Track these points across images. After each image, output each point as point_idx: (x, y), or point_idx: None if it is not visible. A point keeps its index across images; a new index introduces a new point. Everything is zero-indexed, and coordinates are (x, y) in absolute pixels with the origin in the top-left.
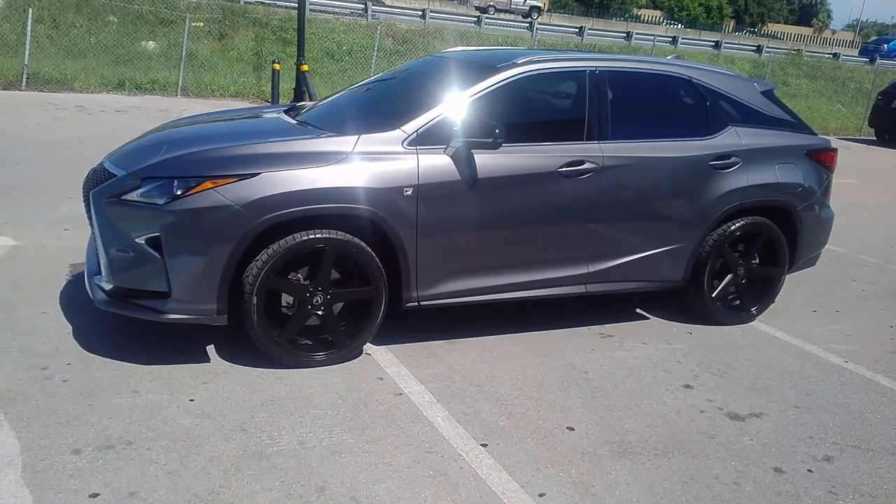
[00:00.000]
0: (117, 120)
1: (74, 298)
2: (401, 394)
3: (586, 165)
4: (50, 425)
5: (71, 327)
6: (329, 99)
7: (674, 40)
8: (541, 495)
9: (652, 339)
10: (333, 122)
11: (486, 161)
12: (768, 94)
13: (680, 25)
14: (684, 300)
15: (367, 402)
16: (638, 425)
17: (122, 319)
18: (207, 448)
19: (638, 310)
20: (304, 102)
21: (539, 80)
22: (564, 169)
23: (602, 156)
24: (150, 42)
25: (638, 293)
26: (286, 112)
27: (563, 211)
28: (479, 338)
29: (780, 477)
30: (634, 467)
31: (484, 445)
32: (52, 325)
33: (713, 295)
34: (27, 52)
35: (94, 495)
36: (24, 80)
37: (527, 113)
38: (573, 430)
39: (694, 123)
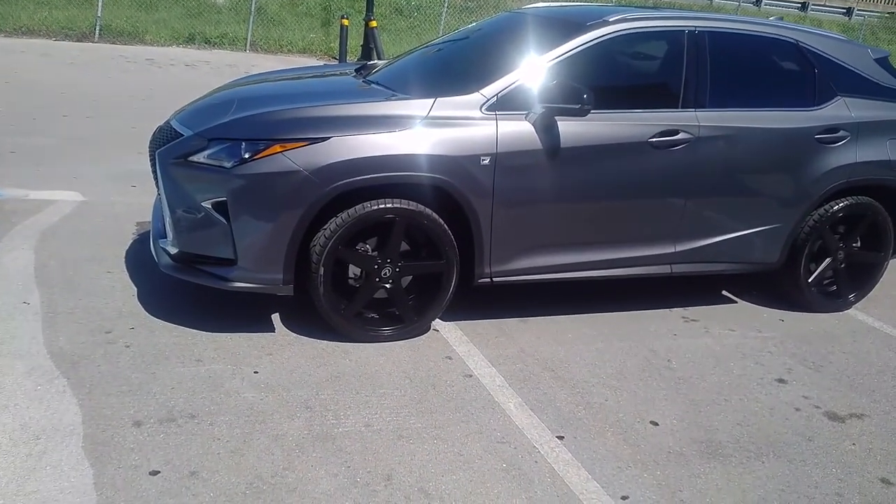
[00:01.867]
0: (186, 74)
1: (140, 259)
2: (470, 375)
3: (680, 136)
4: (112, 394)
5: (136, 289)
6: (400, 59)
7: (757, 1)
8: (623, 498)
9: (740, 325)
10: (406, 84)
11: (570, 129)
12: (883, 62)
13: None
14: (777, 284)
15: (436, 384)
16: (728, 423)
17: (187, 283)
18: (271, 425)
19: (724, 292)
20: (374, 61)
21: (632, 40)
22: (656, 139)
23: (698, 125)
24: None
25: (724, 275)
26: (357, 71)
27: (652, 185)
28: (552, 317)
29: (888, 490)
30: (726, 471)
31: (560, 438)
32: (117, 286)
33: (809, 280)
34: (100, 4)
35: (155, 472)
36: (97, 32)
37: (616, 77)
38: (657, 425)
39: (800, 92)
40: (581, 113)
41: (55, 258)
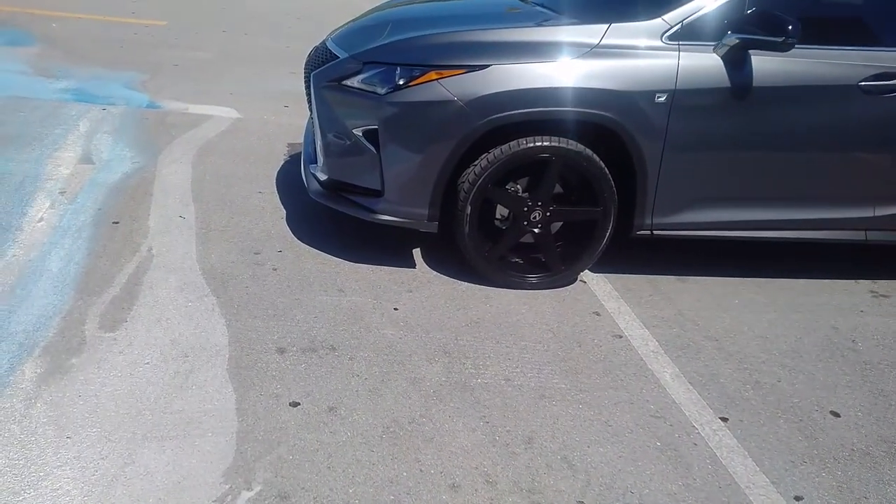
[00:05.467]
0: None
1: (289, 180)
2: (620, 336)
3: None
4: (258, 317)
5: (284, 211)
6: None
7: None
8: (797, 499)
9: None
10: (573, 6)
11: (765, 66)
12: None
13: None
14: None
15: (581, 341)
16: None
17: (334, 210)
18: (409, 367)
19: None
20: None
21: None
22: (866, 83)
23: None
24: None
25: None
26: None
27: (857, 137)
28: (715, 278)
29: None
30: None
31: (724, 419)
32: (267, 207)
33: None
34: None
35: (295, 404)
36: None
37: (822, 6)
38: (838, 416)
39: None
40: (783, 48)
41: (210, 174)
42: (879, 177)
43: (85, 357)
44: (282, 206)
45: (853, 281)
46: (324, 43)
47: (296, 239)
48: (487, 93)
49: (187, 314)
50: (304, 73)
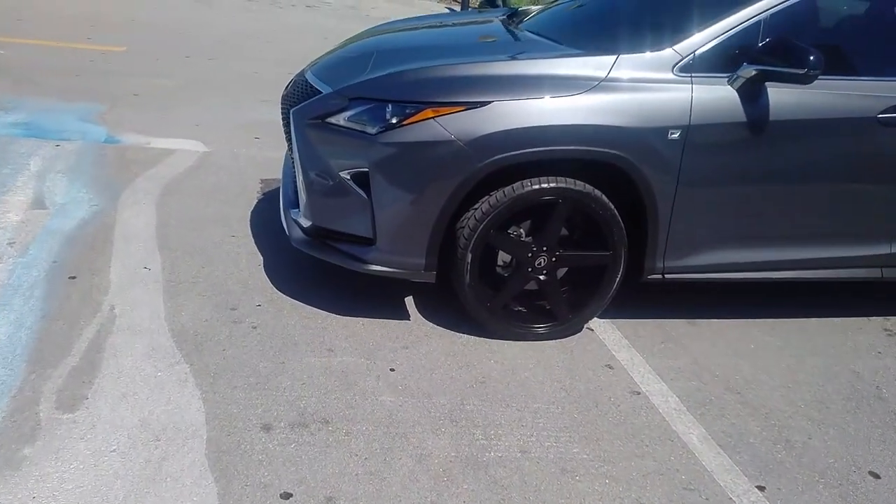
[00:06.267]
0: (306, 15)
1: (265, 222)
2: (638, 392)
3: None
4: (238, 387)
5: (262, 258)
6: (557, 2)
7: None
8: None
9: None
10: (573, 34)
11: (781, 99)
12: None
13: None
14: None
15: (598, 400)
16: None
17: (317, 258)
18: (414, 441)
19: None
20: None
21: None
22: (885, 115)
23: None
24: None
25: None
26: (508, 18)
27: (875, 171)
28: (725, 320)
29: None
30: None
31: (761, 488)
32: (242, 254)
33: None
34: None
35: (287, 495)
36: None
37: (838, 35)
38: (878, 477)
39: None
40: (806, 80)
41: (177, 217)
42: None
43: (40, 446)
44: (259, 253)
45: (865, 318)
46: (303, 75)
47: (276, 290)
48: (489, 132)
49: (157, 386)
50: (282, 108)
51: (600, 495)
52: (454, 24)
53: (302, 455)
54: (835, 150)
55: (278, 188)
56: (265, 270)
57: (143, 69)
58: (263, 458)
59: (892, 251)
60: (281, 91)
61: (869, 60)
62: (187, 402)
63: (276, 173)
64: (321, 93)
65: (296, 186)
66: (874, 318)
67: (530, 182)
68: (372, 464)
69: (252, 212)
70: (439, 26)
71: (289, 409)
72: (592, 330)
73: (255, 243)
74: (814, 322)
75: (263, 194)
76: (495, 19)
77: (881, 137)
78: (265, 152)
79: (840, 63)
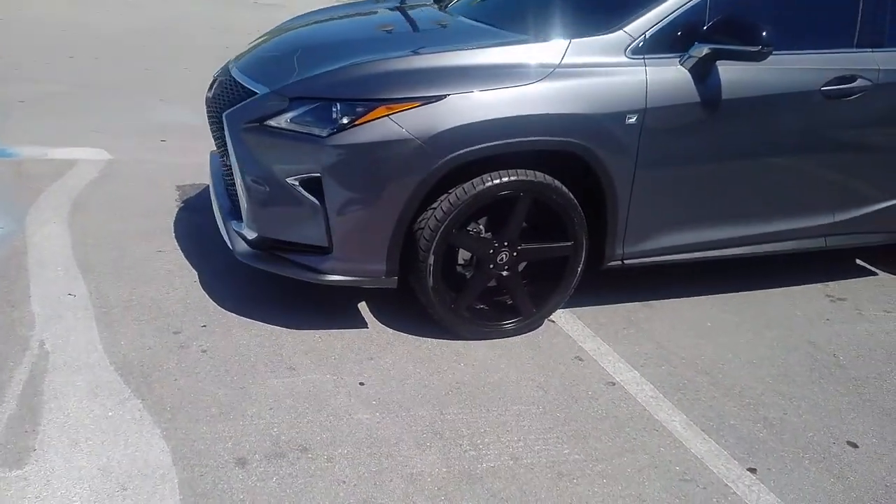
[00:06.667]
0: (185, 4)
1: (192, 233)
2: (613, 383)
3: (858, 83)
4: (200, 420)
5: (196, 273)
6: None
7: None
8: None
9: (894, 303)
10: (513, 20)
11: (732, 77)
12: None
13: None
14: None
15: (576, 396)
16: None
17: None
18: (400, 460)
19: (858, 261)
20: None
21: None
22: (828, 88)
23: (878, 69)
24: None
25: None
26: (437, 3)
27: (821, 143)
28: (679, 299)
29: None
30: None
31: (752, 471)
32: (174, 270)
33: None
34: None
35: None
36: None
37: (780, 8)
38: (856, 446)
39: None
40: (759, 57)
41: (94, 234)
42: (840, 182)
43: None
44: (191, 268)
45: (805, 286)
46: (227, 72)
47: (219, 307)
48: (448, 127)
49: (111, 428)
50: (210, 112)
51: (601, 497)
52: (387, 10)
53: (286, 489)
54: (784, 125)
55: (198, 195)
56: (203, 287)
57: (25, 73)
58: (245, 498)
59: (836, 220)
60: (183, 89)
61: (810, 34)
62: (147, 443)
63: (192, 179)
64: (256, 93)
65: (232, 195)
66: (814, 284)
67: (490, 177)
68: (362, 490)
69: (174, 223)
70: (371, 13)
71: (261, 438)
72: (555, 322)
73: (186, 257)
74: (760, 294)
75: (183, 202)
76: (425, 4)
77: (825, 109)
78: (174, 157)
79: (784, 37)
